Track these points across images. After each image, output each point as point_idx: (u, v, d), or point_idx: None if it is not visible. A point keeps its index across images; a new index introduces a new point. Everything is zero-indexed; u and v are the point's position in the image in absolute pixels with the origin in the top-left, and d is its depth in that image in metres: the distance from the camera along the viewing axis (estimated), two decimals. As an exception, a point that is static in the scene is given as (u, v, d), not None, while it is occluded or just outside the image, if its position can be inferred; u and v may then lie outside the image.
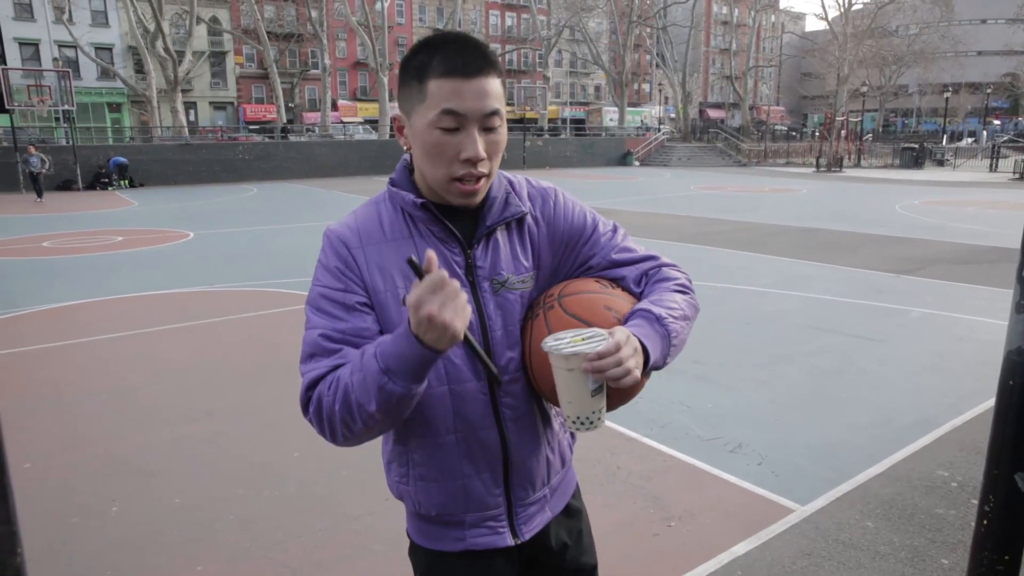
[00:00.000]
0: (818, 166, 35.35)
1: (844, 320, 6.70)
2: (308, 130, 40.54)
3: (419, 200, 1.26)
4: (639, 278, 1.38)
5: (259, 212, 17.68)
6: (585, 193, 22.35)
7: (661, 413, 4.48)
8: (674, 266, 1.42)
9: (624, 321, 1.27)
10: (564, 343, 1.16)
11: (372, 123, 44.34)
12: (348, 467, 3.80)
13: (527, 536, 1.40)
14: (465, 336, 1.12)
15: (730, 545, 3.04)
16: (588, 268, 1.38)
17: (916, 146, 38.25)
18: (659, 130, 47.12)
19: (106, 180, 25.58)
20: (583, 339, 1.16)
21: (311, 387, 1.20)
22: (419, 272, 1.07)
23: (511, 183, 1.36)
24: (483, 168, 1.22)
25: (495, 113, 1.20)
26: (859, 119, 41.22)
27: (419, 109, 1.20)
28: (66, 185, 25.01)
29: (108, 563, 2.96)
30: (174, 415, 4.53)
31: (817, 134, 41.80)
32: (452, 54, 1.18)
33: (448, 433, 1.31)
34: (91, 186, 25.53)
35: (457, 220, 1.29)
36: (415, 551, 1.42)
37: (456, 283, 1.07)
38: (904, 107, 67.93)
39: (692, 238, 11.81)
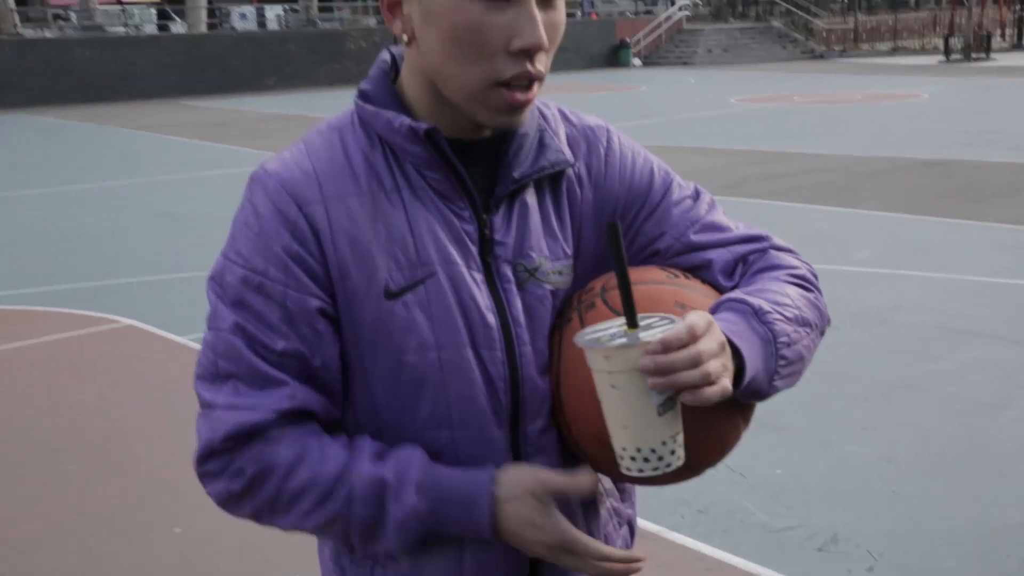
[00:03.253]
0: (949, 51, 35.83)
1: (1005, 317, 6.81)
2: (58, 17, 39.77)
3: (422, 126, 1.28)
4: (732, 265, 1.45)
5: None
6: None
7: (699, 488, 4.49)
8: (791, 251, 1.50)
9: None
10: (608, 334, 1.19)
11: (176, 4, 43.72)
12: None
13: None
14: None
15: None
16: (654, 253, 1.45)
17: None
18: (673, 2, 47.33)
19: None
20: (636, 329, 1.18)
21: (238, 438, 1.26)
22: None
23: (542, 114, 1.42)
24: (540, 65, 1.26)
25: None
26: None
27: None
28: None
29: None
30: None
31: (946, -1, 42.55)
32: None
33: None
34: None
35: (468, 165, 1.33)
36: None
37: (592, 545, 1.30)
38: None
39: (734, 188, 11.92)
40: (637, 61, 41.19)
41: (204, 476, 1.29)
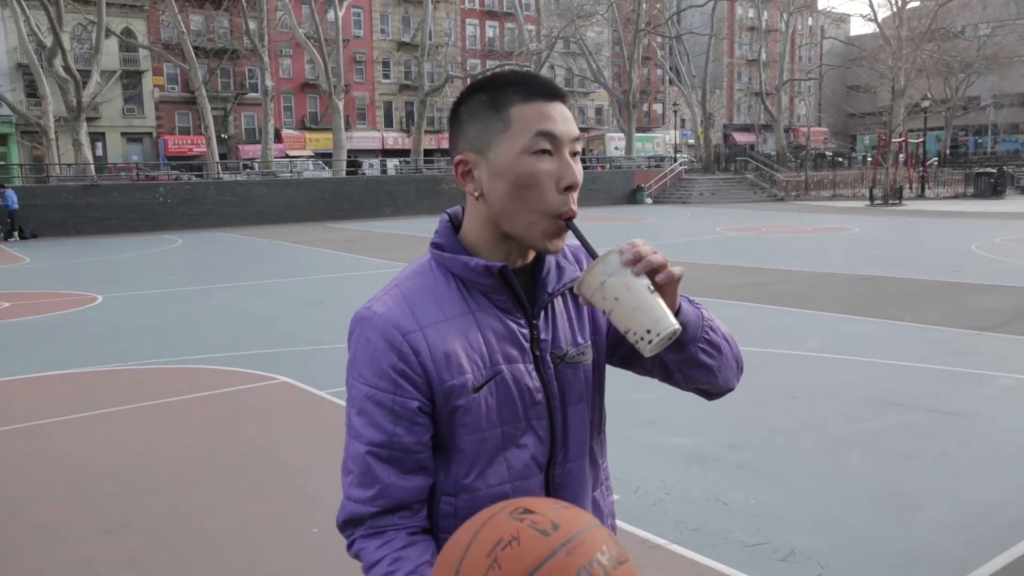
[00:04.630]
0: (872, 199, 35.94)
1: (917, 391, 6.72)
2: (246, 167, 40.93)
3: (495, 265, 1.32)
4: None
5: (185, 269, 17.71)
6: (588, 238, 22.51)
7: (693, 512, 4.44)
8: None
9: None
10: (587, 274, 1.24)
11: (324, 157, 44.85)
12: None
13: None
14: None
15: None
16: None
17: (994, 171, 38.81)
18: (675, 160, 47.88)
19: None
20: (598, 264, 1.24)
21: (351, 524, 1.32)
22: None
23: None
24: (574, 203, 1.32)
25: (577, 151, 1.34)
26: (921, 140, 42.04)
27: (502, 140, 1.29)
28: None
29: None
30: (79, 531, 4.44)
31: (870, 159, 42.60)
32: (527, 80, 1.32)
33: None
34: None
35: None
36: None
37: None
38: (976, 123, 69.18)
39: (720, 292, 11.88)
40: (649, 200, 41.48)
41: (348, 547, 1.35)
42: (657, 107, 69.42)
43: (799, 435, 5.74)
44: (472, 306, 1.34)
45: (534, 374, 1.36)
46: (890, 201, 35.23)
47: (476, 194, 1.33)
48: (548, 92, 1.31)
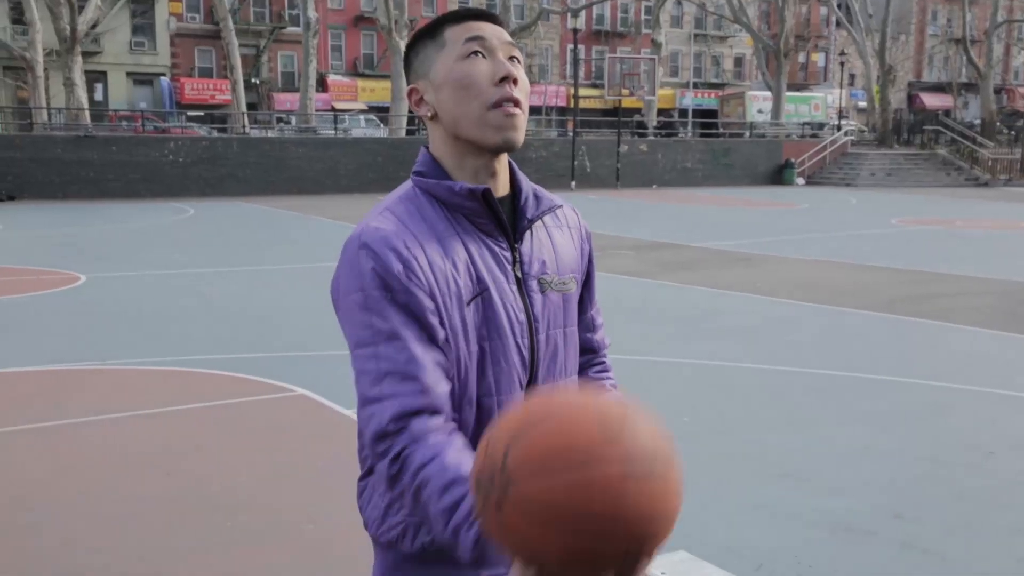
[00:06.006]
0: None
1: None
2: (280, 120, 41.67)
3: (479, 188, 1.78)
4: (589, 340, 2.09)
5: (194, 247, 18.07)
6: (717, 229, 22.28)
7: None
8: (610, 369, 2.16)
9: None
10: None
11: (380, 112, 45.36)
12: None
13: None
14: None
15: None
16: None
17: None
18: (839, 128, 46.93)
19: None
20: None
21: (399, 420, 1.64)
22: None
23: (533, 188, 1.95)
24: (518, 93, 1.77)
25: (515, 55, 1.81)
26: None
27: (439, 57, 1.79)
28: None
29: None
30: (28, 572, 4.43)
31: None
32: (460, 10, 1.83)
33: None
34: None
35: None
36: None
37: None
38: None
39: (893, 306, 11.54)
40: (801, 180, 40.95)
41: (380, 451, 1.66)
42: (818, 57, 68.28)
43: (995, 506, 5.42)
44: (457, 228, 1.78)
45: (517, 295, 1.82)
46: None
47: (429, 114, 1.82)
48: (479, 15, 1.81)
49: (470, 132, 1.76)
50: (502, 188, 1.86)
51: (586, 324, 2.08)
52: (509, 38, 1.81)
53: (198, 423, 6.83)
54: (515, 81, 1.76)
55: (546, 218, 1.93)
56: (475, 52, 1.75)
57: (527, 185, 1.90)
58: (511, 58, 1.78)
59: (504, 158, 1.86)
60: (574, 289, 1.94)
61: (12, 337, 9.52)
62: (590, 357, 2.10)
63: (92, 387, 7.78)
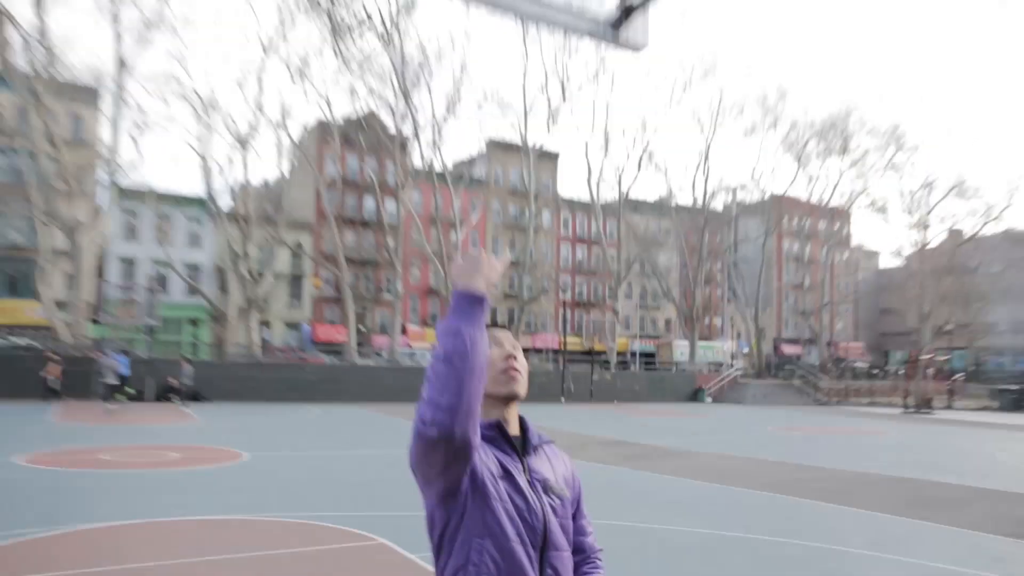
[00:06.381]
0: (906, 407, 34.11)
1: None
2: (376, 354, 41.97)
3: (493, 421, 1.84)
4: (581, 543, 1.99)
5: (319, 436, 17.88)
6: (654, 430, 21.91)
7: None
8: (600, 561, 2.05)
9: None
10: None
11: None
12: None
13: None
14: None
15: None
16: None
17: (1017, 387, 36.82)
18: (732, 366, 46.94)
19: (173, 392, 26.74)
20: None
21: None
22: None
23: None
24: (518, 365, 1.89)
25: (516, 345, 1.95)
26: (947, 357, 40.28)
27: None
28: (138, 396, 26.13)
29: None
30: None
31: (902, 372, 40.86)
32: (489, 323, 1.92)
33: None
34: (160, 398, 26.78)
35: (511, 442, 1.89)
36: None
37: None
38: (997, 344, 65.79)
39: (769, 485, 11.20)
40: (709, 399, 40.50)
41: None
42: (717, 320, 68.96)
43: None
44: (488, 447, 1.82)
45: (532, 497, 1.81)
46: (922, 410, 33.51)
47: None
48: (494, 324, 1.95)
49: (492, 388, 1.81)
50: (513, 429, 1.88)
51: (579, 530, 1.98)
52: (514, 339, 1.94)
53: (298, 563, 6.55)
54: (515, 359, 1.87)
55: (546, 449, 1.93)
56: (494, 344, 1.87)
57: (532, 425, 1.94)
58: (514, 348, 1.91)
59: (515, 407, 1.89)
60: (567, 495, 1.90)
61: (197, 494, 9.38)
62: (584, 557, 1.99)
63: (236, 533, 7.54)
